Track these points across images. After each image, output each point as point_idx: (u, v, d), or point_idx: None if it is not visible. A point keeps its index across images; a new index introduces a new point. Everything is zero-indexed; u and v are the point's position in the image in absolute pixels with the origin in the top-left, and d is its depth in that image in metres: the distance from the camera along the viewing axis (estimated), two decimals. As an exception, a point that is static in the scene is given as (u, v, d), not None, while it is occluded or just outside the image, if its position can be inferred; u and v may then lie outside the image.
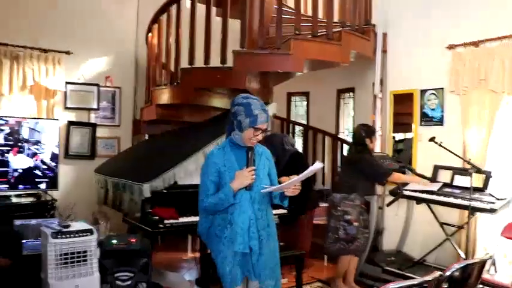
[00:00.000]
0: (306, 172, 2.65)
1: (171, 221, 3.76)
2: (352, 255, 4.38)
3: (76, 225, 3.29)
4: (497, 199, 4.13)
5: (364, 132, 4.39)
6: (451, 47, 4.77)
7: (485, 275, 3.36)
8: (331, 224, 4.36)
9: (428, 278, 2.21)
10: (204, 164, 2.77)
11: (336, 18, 5.08)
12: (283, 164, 4.89)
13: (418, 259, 4.78)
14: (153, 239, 3.80)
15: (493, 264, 3.90)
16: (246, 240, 2.65)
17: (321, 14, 5.08)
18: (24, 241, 3.45)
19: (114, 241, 3.43)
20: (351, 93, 7.31)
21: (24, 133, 4.72)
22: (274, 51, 4.57)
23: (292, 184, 2.67)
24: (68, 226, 3.20)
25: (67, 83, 5.80)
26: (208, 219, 2.77)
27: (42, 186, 4.81)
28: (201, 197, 2.70)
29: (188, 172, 3.94)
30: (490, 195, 4.21)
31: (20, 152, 4.68)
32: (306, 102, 8.12)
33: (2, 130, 4.60)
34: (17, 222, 3.76)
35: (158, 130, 5.85)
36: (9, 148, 4.62)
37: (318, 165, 2.59)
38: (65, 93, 5.82)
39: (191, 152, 3.95)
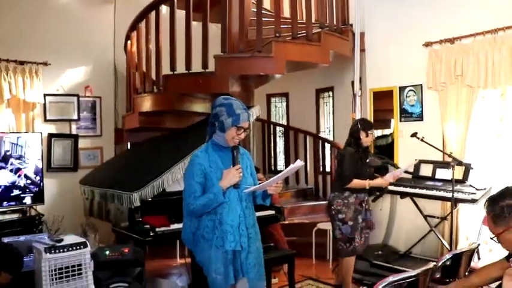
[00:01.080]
0: (287, 170, 2.74)
1: (163, 228, 3.76)
2: (352, 256, 4.19)
3: (68, 239, 3.26)
4: (477, 189, 4.28)
5: (360, 125, 4.18)
6: (427, 44, 4.89)
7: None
8: (332, 223, 4.23)
9: (424, 268, 2.30)
10: (188, 166, 2.77)
11: (313, 19, 5.15)
12: None
13: (405, 251, 4.89)
14: (144, 248, 3.79)
15: (477, 252, 4.03)
16: (237, 238, 2.67)
17: (298, 16, 5.15)
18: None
19: (107, 252, 3.39)
20: (330, 93, 7.41)
21: (7, 148, 4.63)
22: (256, 54, 4.62)
23: (274, 182, 2.73)
24: (61, 240, 3.17)
25: (46, 94, 5.73)
26: (193, 223, 2.75)
27: (28, 201, 4.73)
28: (187, 199, 2.68)
29: (176, 179, 3.94)
30: (471, 186, 4.34)
31: (2, 167, 4.59)
32: (285, 103, 8.20)
33: (-17, 146, 4.52)
34: (5, 239, 3.69)
35: (141, 138, 5.82)
36: (-9, 164, 4.55)
37: (298, 163, 2.66)
38: (44, 105, 5.74)
39: (179, 158, 3.95)
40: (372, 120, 5.42)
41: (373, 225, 4.37)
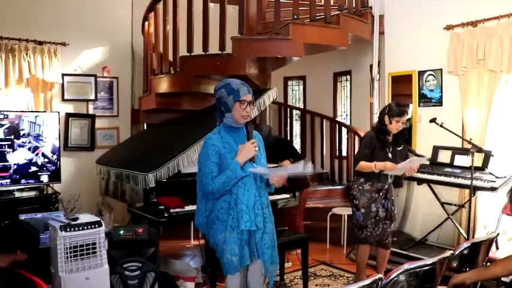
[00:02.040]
0: (294, 170, 2.82)
1: (177, 209, 3.77)
2: (364, 244, 4.01)
3: (84, 218, 3.29)
4: (497, 177, 4.19)
5: (387, 109, 3.85)
6: (449, 27, 4.77)
7: (488, 253, 3.42)
8: (351, 207, 4.09)
9: (441, 256, 2.26)
10: (202, 149, 2.77)
11: (332, 1, 5.07)
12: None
13: (420, 239, 4.84)
14: (158, 229, 3.81)
15: (495, 241, 3.96)
16: (253, 218, 2.68)
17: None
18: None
19: (122, 232, 3.43)
20: (348, 76, 7.32)
21: (25, 127, 4.68)
22: (273, 36, 4.57)
23: (277, 174, 2.76)
24: (76, 219, 3.19)
25: (64, 74, 5.75)
26: (208, 205, 2.76)
27: (45, 179, 4.78)
28: (205, 180, 2.67)
29: (191, 160, 3.94)
30: (490, 173, 4.26)
31: (21, 146, 4.65)
32: (302, 87, 8.13)
33: (2, 125, 4.56)
34: (22, 216, 3.74)
35: (157, 119, 5.85)
36: (9, 143, 4.59)
37: (308, 169, 2.70)
38: (62, 85, 5.78)
39: (195, 139, 3.94)
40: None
41: (394, 216, 4.05)
